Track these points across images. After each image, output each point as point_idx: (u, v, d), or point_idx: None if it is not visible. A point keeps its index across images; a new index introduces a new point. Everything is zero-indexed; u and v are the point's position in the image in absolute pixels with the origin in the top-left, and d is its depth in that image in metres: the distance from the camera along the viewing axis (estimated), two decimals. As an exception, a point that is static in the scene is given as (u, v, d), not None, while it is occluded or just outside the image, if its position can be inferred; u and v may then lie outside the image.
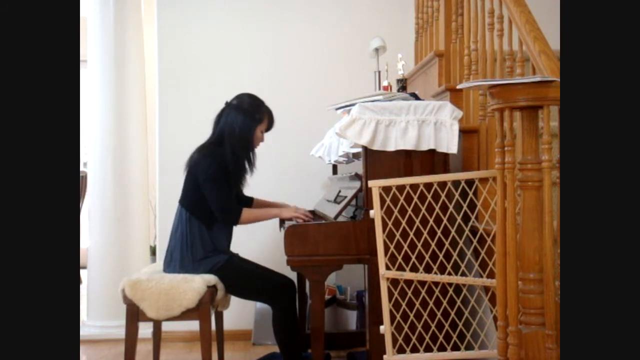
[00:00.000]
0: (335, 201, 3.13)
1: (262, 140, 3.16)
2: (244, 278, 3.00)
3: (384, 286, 2.38)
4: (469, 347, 2.58)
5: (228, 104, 3.12)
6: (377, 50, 3.50)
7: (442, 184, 2.61)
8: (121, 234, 4.24)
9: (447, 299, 2.56)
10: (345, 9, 4.20)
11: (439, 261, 2.59)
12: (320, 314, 2.71)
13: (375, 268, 2.60)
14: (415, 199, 2.56)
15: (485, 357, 2.47)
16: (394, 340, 2.46)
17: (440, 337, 2.57)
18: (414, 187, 2.58)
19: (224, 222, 3.01)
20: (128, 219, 4.26)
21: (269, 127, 3.18)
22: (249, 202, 3.38)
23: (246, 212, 3.04)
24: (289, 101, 4.12)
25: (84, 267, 4.42)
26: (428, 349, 2.54)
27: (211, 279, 2.87)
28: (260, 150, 4.04)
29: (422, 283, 2.55)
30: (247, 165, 3.09)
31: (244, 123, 3.05)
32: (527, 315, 1.77)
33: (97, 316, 4.25)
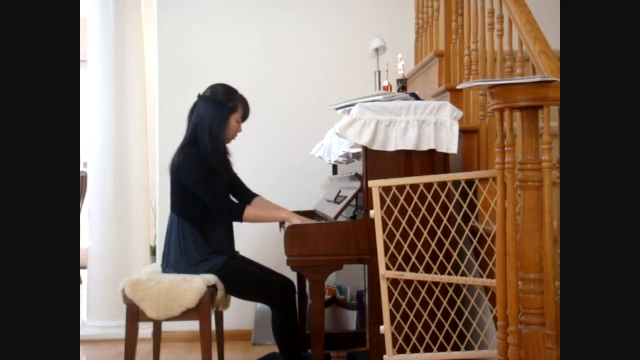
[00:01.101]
0: (335, 201, 3.13)
1: (239, 130, 3.09)
2: (243, 279, 2.98)
3: (384, 286, 2.38)
4: (469, 347, 2.58)
5: (199, 96, 3.05)
6: (377, 50, 3.50)
7: (442, 184, 2.61)
8: (121, 234, 4.24)
9: (447, 299, 2.56)
10: (345, 9, 4.20)
11: (439, 261, 2.59)
12: (320, 314, 2.71)
13: (375, 268, 2.60)
14: (415, 199, 2.56)
15: (485, 357, 2.47)
16: (394, 340, 2.46)
17: (440, 337, 2.57)
18: (414, 187, 2.58)
19: (229, 219, 2.98)
20: (128, 219, 4.26)
21: (245, 115, 3.09)
22: (251, 198, 3.34)
23: (251, 210, 2.98)
24: (289, 101, 4.12)
25: (84, 267, 4.42)
26: (428, 349, 2.54)
27: (211, 278, 2.86)
28: (260, 150, 4.07)
29: (422, 283, 2.55)
30: (222, 156, 3.00)
31: (214, 113, 2.96)
32: (527, 315, 1.77)
33: (97, 316, 4.25)
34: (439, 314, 2.55)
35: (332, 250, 2.71)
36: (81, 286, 5.29)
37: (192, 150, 2.95)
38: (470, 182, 2.61)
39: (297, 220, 2.92)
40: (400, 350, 2.54)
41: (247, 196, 3.30)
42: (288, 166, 4.11)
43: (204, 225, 2.95)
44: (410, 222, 2.61)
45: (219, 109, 2.98)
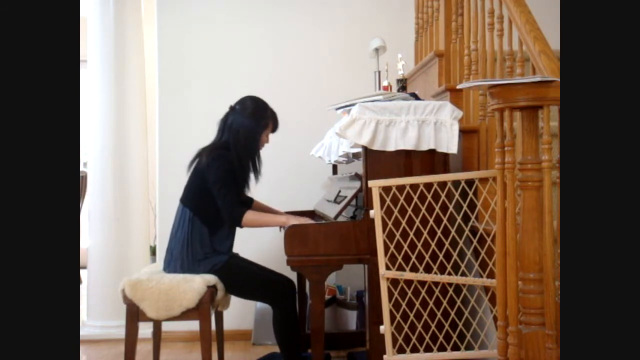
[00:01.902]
0: (335, 201, 3.13)
1: (267, 142, 3.17)
2: (244, 278, 3.00)
3: (384, 286, 2.38)
4: (469, 347, 2.58)
5: (232, 108, 3.10)
6: (377, 50, 3.50)
7: (442, 184, 2.61)
8: (121, 234, 4.24)
9: (447, 299, 2.56)
10: (346, 9, 4.20)
11: (439, 261, 2.59)
12: (320, 314, 2.71)
13: (375, 268, 2.60)
14: (415, 199, 2.56)
15: (485, 357, 2.47)
16: (394, 340, 2.46)
17: (440, 337, 2.57)
18: (414, 187, 2.58)
19: (230, 224, 3.00)
20: (128, 219, 4.26)
21: (274, 129, 3.18)
22: (249, 202, 3.38)
23: (250, 215, 2.98)
24: (289, 101, 4.12)
25: (84, 267, 4.42)
26: (428, 349, 2.54)
27: (211, 279, 2.87)
28: (260, 150, 4.06)
29: (422, 283, 2.55)
30: (252, 172, 3.08)
31: (249, 130, 3.04)
32: (527, 315, 1.77)
33: (97, 316, 4.25)
34: (439, 314, 2.55)
35: (332, 250, 2.71)
36: (81, 286, 5.28)
37: (224, 152, 3.00)
38: (470, 182, 2.61)
39: (295, 221, 2.91)
40: (400, 350, 2.54)
41: (248, 202, 3.34)
42: (288, 166, 4.11)
43: (215, 224, 2.98)
44: (410, 222, 2.61)
45: (254, 127, 3.06)
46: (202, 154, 3.05)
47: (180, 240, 2.97)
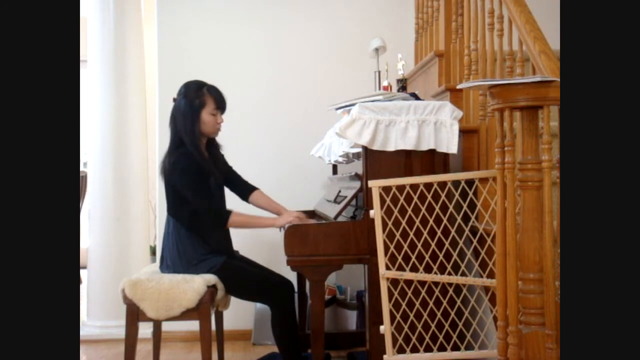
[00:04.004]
0: (335, 201, 3.13)
1: (219, 121, 3.03)
2: (242, 279, 2.97)
3: (384, 286, 2.39)
4: (469, 347, 2.58)
5: (174, 100, 3.05)
6: (377, 50, 3.50)
7: (442, 184, 2.61)
8: (121, 234, 4.24)
9: (447, 299, 2.57)
10: (345, 8, 4.20)
11: (439, 261, 2.59)
12: (320, 314, 2.71)
13: (375, 268, 2.60)
14: (415, 199, 2.56)
15: (485, 357, 2.47)
16: (394, 340, 2.46)
17: (440, 337, 2.57)
18: (414, 187, 2.58)
19: (214, 226, 2.95)
20: (128, 219, 4.26)
21: (219, 105, 3.02)
22: (249, 191, 3.29)
23: (235, 217, 2.93)
24: (289, 101, 4.12)
25: (84, 267, 4.42)
26: (428, 349, 2.54)
27: (211, 278, 2.86)
28: (260, 150, 4.07)
29: (422, 283, 2.56)
30: (206, 153, 2.98)
31: (184, 114, 2.94)
32: (527, 315, 1.77)
33: (97, 316, 4.25)
34: (439, 314, 2.55)
35: (332, 250, 2.71)
36: (81, 286, 5.29)
37: (180, 152, 2.92)
38: (470, 182, 2.61)
39: (283, 222, 2.91)
40: (400, 350, 2.54)
41: (246, 190, 3.28)
42: (288, 166, 4.11)
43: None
44: (410, 222, 2.61)
45: (188, 109, 2.95)
46: (165, 159, 2.98)
47: (172, 249, 2.95)
